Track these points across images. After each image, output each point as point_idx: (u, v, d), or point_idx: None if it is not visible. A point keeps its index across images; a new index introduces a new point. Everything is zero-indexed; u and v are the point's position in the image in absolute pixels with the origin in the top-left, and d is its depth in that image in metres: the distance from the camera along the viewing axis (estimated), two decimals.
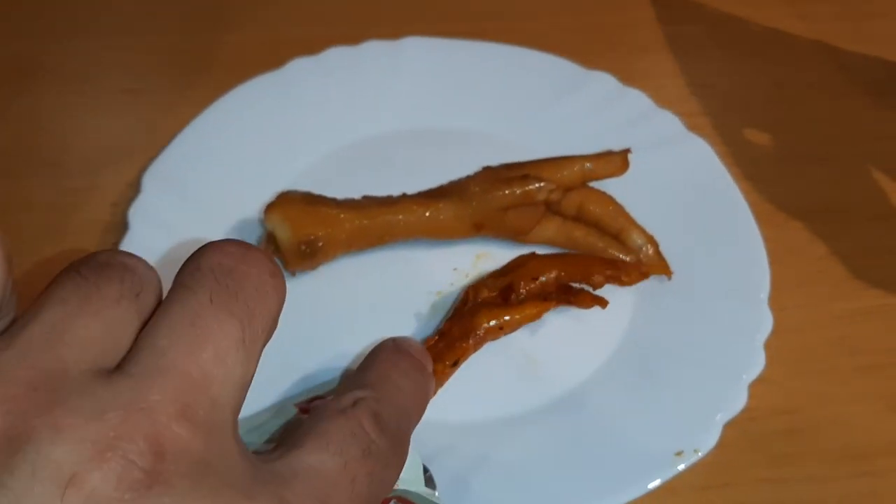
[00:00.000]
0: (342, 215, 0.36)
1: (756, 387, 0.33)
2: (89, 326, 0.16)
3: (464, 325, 0.34)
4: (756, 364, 0.33)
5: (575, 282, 0.35)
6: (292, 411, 0.29)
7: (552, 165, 0.38)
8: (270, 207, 0.36)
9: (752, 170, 0.43)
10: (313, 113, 0.43)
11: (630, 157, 0.39)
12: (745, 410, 0.32)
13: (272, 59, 0.45)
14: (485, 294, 0.35)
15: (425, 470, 0.27)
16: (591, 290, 0.35)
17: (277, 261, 0.35)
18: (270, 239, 0.36)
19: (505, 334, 0.34)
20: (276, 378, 0.33)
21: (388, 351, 0.26)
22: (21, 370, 0.15)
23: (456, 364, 0.33)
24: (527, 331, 0.35)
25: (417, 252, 0.38)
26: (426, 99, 0.45)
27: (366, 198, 0.38)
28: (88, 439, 0.14)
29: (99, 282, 0.17)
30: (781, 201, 0.42)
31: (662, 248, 0.37)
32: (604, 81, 0.44)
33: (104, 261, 0.18)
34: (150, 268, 0.18)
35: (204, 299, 0.17)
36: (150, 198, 0.38)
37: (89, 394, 0.15)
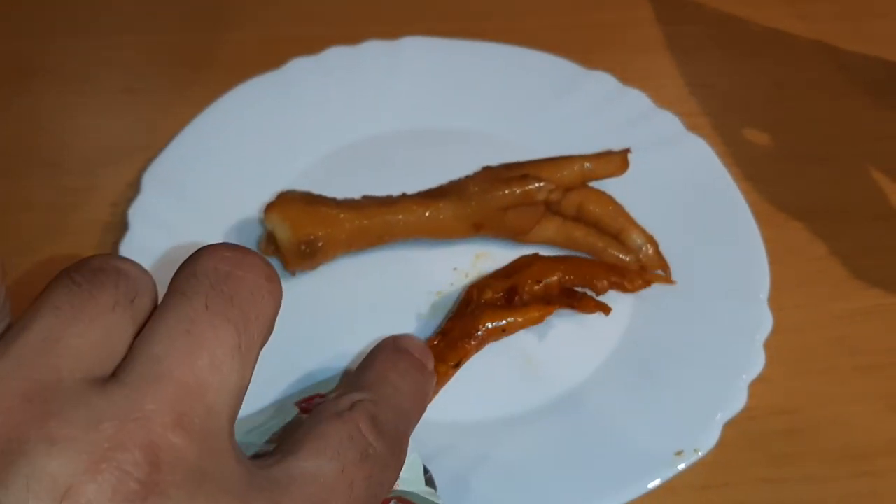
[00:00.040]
0: (342, 215, 0.36)
1: (756, 386, 0.33)
2: (84, 335, 0.16)
3: (466, 325, 0.34)
4: (756, 364, 0.33)
5: (578, 286, 0.35)
6: (293, 411, 0.29)
7: (552, 165, 0.38)
8: (270, 207, 0.36)
9: (751, 170, 0.43)
10: (313, 113, 0.43)
11: (630, 156, 0.39)
12: (745, 410, 0.32)
13: (272, 58, 0.45)
14: (489, 295, 0.35)
15: (425, 470, 0.27)
16: (594, 295, 0.35)
17: (276, 261, 0.36)
18: (270, 239, 0.36)
19: (506, 336, 0.34)
20: (276, 378, 0.33)
21: (387, 351, 0.26)
22: (15, 381, 0.15)
23: (458, 365, 0.33)
24: (527, 331, 0.35)
25: (417, 252, 0.38)
26: (426, 99, 0.45)
27: (366, 198, 0.38)
28: (83, 451, 0.14)
29: (92, 288, 0.17)
30: (781, 201, 0.42)
31: (662, 248, 0.37)
32: (603, 81, 0.44)
33: (98, 266, 0.17)
34: (145, 272, 0.18)
35: (199, 305, 0.17)
36: (150, 198, 0.38)
37: (84, 404, 0.15)
